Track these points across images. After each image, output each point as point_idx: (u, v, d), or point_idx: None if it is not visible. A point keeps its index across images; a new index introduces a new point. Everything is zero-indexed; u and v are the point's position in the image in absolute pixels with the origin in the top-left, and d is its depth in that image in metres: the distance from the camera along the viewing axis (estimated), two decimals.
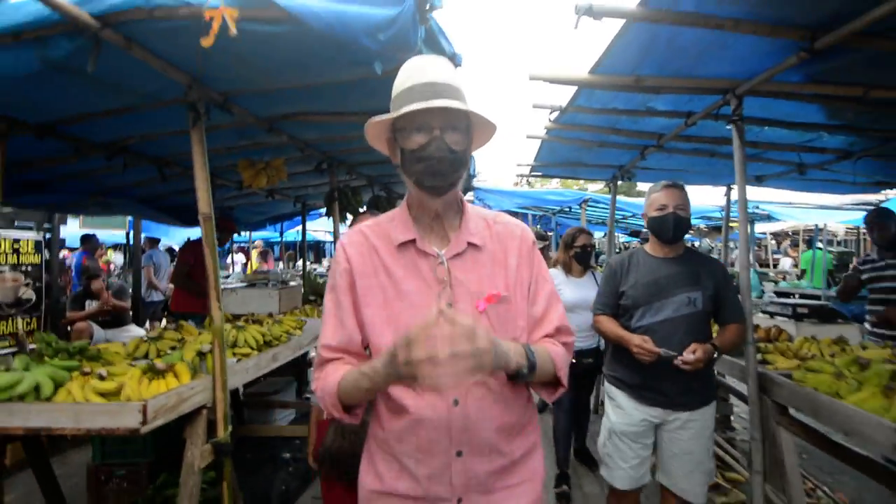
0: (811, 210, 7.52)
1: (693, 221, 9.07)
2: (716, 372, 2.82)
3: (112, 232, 10.27)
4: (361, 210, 4.90)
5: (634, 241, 13.03)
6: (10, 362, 2.12)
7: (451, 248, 1.15)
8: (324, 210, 4.82)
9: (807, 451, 4.05)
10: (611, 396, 2.38)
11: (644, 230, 9.84)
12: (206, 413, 2.12)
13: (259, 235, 12.26)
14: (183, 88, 2.24)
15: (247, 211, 6.45)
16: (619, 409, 2.30)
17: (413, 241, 1.16)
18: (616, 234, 12.66)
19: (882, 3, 1.59)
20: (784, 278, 10.12)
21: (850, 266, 5.13)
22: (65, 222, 6.20)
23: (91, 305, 5.43)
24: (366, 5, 1.65)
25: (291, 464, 3.78)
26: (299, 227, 8.10)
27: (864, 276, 3.71)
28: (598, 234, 10.96)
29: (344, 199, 4.53)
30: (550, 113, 3.16)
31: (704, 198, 9.17)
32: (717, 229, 11.61)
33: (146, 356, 2.57)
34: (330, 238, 13.20)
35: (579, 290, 3.42)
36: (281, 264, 12.74)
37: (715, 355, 2.14)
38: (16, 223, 5.31)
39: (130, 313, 5.85)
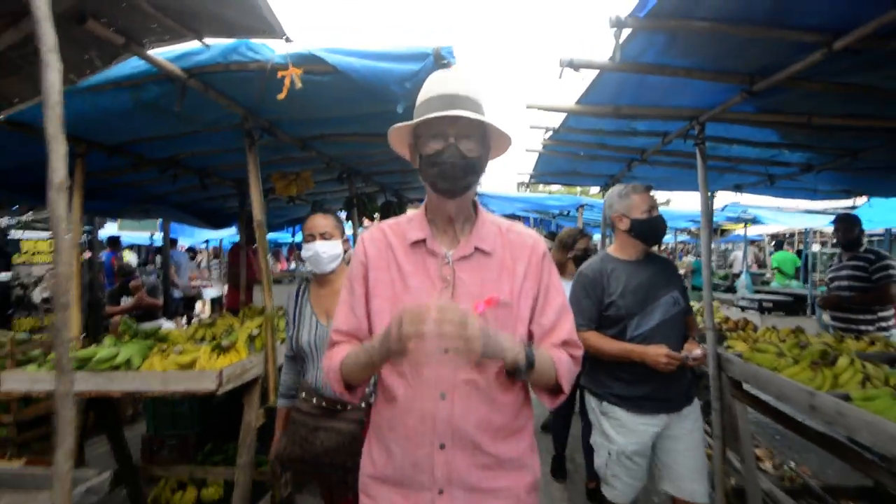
0: (796, 214, 7.95)
1: (684, 225, 9.55)
2: None
3: (129, 233, 10.82)
4: (375, 216, 5.40)
5: None
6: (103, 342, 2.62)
7: (459, 250, 1.21)
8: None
9: (779, 433, 4.51)
10: (608, 415, 2.23)
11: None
12: (261, 383, 2.60)
13: (271, 237, 12.80)
14: (238, 118, 2.72)
15: (269, 214, 6.94)
16: (624, 429, 2.18)
17: (424, 241, 1.22)
18: (610, 235, 13.06)
19: (803, 58, 2.04)
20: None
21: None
22: (103, 226, 6.71)
23: (126, 301, 5.96)
24: (395, 62, 2.12)
25: None
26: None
27: (828, 277, 4.15)
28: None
29: (361, 205, 5.02)
30: (545, 132, 3.62)
31: (691, 203, 9.70)
32: (716, 231, 12.08)
33: (203, 339, 3.06)
34: None
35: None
36: (293, 263, 13.26)
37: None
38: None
39: (161, 309, 6.37)
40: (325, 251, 2.01)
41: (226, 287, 8.74)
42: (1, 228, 5.67)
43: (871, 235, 12.92)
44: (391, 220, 1.32)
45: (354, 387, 1.20)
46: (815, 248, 10.47)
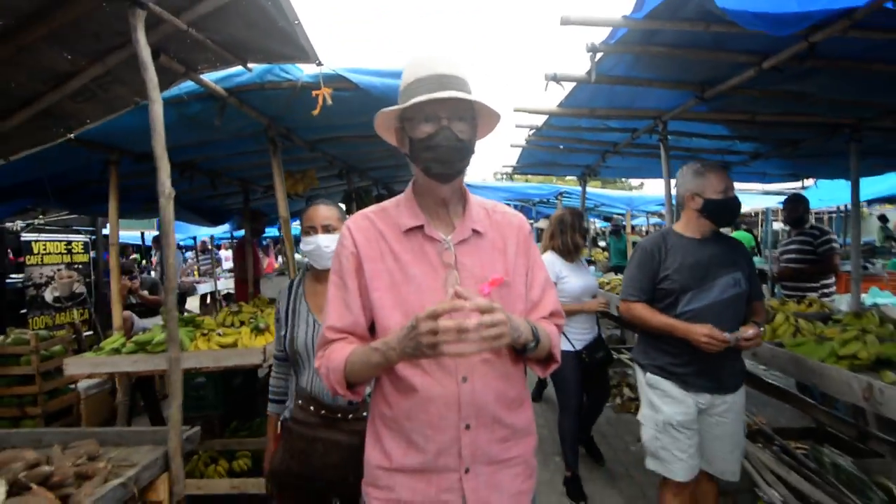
0: (756, 196, 8.64)
1: (654, 209, 10.14)
2: None
3: (122, 233, 10.86)
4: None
5: (608, 227, 14.00)
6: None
7: (458, 233, 1.18)
8: None
9: None
10: (657, 387, 2.20)
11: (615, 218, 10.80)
12: None
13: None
14: (261, 126, 3.07)
15: (267, 208, 7.23)
16: (671, 399, 2.15)
17: (421, 227, 1.18)
18: (591, 219, 13.63)
19: (741, 73, 2.51)
20: None
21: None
22: (105, 226, 6.91)
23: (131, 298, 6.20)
24: None
25: None
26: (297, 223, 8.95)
27: (778, 252, 4.72)
28: None
29: (359, 199, 5.39)
30: (530, 130, 4.06)
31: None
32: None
33: (232, 325, 3.41)
34: None
35: (583, 277, 3.26)
36: (280, 258, 13.49)
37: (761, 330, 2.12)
38: (72, 227, 6.05)
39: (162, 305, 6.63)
40: (328, 245, 1.80)
41: (218, 281, 9.10)
42: (14, 231, 5.84)
43: (826, 212, 13.86)
44: (374, 207, 1.26)
45: (356, 386, 1.15)
46: (777, 225, 11.19)
